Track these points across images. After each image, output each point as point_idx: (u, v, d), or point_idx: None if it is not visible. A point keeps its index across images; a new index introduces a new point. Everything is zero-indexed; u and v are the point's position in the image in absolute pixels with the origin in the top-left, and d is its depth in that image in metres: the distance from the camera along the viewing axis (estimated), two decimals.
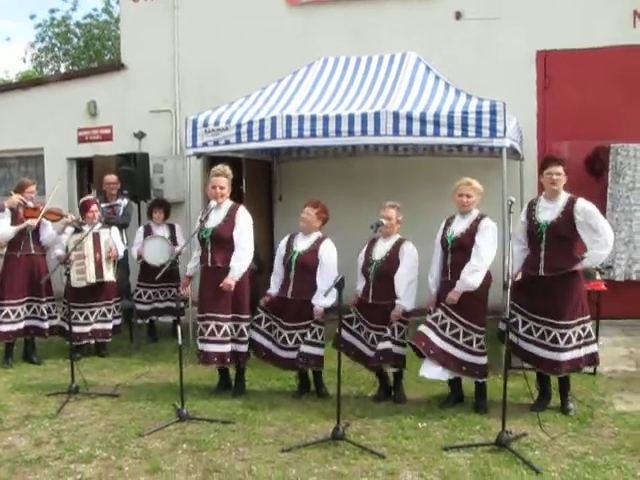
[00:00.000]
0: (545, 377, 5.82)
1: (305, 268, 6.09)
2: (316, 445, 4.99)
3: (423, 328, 5.67)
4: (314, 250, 6.13)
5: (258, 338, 6.27)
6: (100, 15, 24.38)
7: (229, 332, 6.13)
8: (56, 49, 24.51)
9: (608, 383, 6.44)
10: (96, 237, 7.52)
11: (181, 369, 5.65)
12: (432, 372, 5.73)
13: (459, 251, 5.70)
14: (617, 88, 9.14)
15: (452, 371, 5.71)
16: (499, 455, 4.76)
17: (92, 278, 7.45)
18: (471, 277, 5.55)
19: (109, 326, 7.76)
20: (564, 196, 5.65)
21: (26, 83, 13.40)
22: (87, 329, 7.58)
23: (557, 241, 5.58)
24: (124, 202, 8.93)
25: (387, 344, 5.83)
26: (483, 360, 5.67)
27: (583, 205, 5.58)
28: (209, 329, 6.09)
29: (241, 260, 6.13)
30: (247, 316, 6.24)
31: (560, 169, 5.62)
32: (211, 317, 6.11)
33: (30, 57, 24.64)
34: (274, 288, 6.29)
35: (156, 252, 8.27)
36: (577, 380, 5.88)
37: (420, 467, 4.62)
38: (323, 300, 5.85)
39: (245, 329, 6.20)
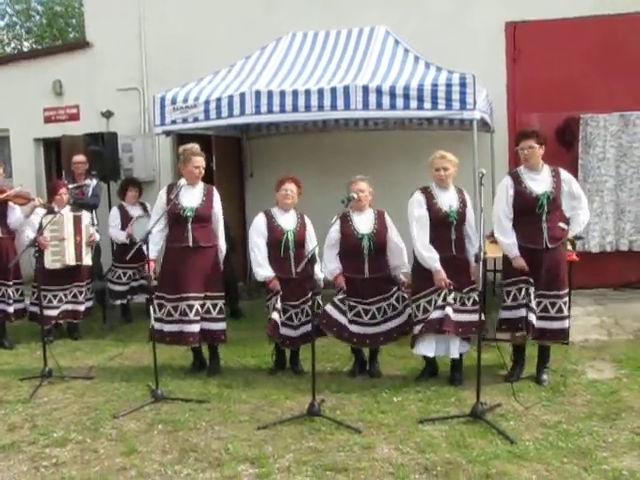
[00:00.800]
0: (520, 347, 5.87)
1: (301, 245, 6.09)
2: (292, 422, 4.99)
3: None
4: (303, 226, 6.15)
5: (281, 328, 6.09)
6: None
7: (212, 310, 6.14)
8: (17, 27, 24.00)
9: (580, 352, 6.52)
10: (78, 220, 7.46)
11: (155, 349, 5.60)
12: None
13: (461, 225, 5.74)
14: (586, 59, 9.17)
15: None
16: (474, 426, 4.79)
17: (72, 260, 7.38)
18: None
19: (81, 308, 7.67)
20: (547, 167, 5.71)
21: None
22: (58, 311, 7.50)
23: (555, 212, 5.65)
24: (93, 182, 8.79)
25: (404, 317, 5.93)
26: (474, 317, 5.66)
27: (567, 175, 5.72)
28: (194, 309, 6.03)
29: (224, 242, 6.31)
30: (221, 294, 6.25)
31: (531, 142, 5.62)
32: (195, 297, 6.06)
33: None
34: (270, 270, 6.03)
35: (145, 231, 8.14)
36: (551, 349, 5.93)
37: (396, 441, 4.64)
38: (321, 274, 5.97)
39: (223, 307, 6.21)
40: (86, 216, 7.65)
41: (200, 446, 4.66)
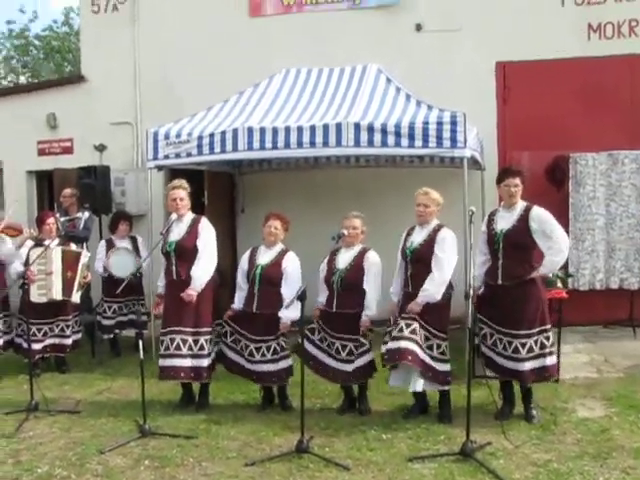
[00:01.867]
0: (509, 385, 5.85)
1: (269, 281, 6.04)
2: (280, 459, 4.95)
3: (402, 344, 5.51)
4: (278, 263, 6.09)
5: (227, 352, 6.22)
6: (60, 27, 24.16)
7: (193, 346, 6.08)
8: (14, 61, 24.19)
9: (570, 390, 6.49)
10: (74, 256, 7.43)
11: (143, 384, 5.55)
12: (398, 380, 5.78)
13: (419, 262, 5.71)
14: (575, 99, 9.32)
15: (421, 377, 5.62)
16: (464, 465, 4.76)
17: (58, 295, 7.31)
18: (432, 289, 5.56)
19: (68, 341, 7.59)
20: (520, 204, 5.72)
21: None
22: (42, 345, 7.43)
23: (513, 249, 5.62)
24: (85, 215, 8.80)
25: (367, 357, 5.89)
26: (445, 367, 5.67)
27: (538, 212, 5.64)
28: (175, 343, 6.04)
29: (202, 271, 6.11)
30: (208, 329, 6.17)
31: (517, 180, 5.68)
32: (177, 331, 6.06)
33: None
34: (238, 303, 6.23)
35: (122, 265, 8.13)
36: (540, 387, 5.91)
37: (385, 479, 4.61)
38: (289, 313, 5.75)
39: (205, 343, 6.11)
40: (85, 255, 7.60)
41: None
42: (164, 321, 6.18)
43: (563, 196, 9.12)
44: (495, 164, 9.43)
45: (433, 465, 4.79)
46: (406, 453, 5.03)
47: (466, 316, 5.02)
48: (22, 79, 24.03)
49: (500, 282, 5.64)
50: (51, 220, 7.54)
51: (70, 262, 7.41)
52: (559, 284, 6.98)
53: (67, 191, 9.06)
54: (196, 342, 6.09)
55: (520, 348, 5.55)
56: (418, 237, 5.79)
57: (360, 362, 5.88)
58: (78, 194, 9.13)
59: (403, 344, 5.48)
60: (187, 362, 6.08)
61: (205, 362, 6.12)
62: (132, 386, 6.85)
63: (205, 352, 6.11)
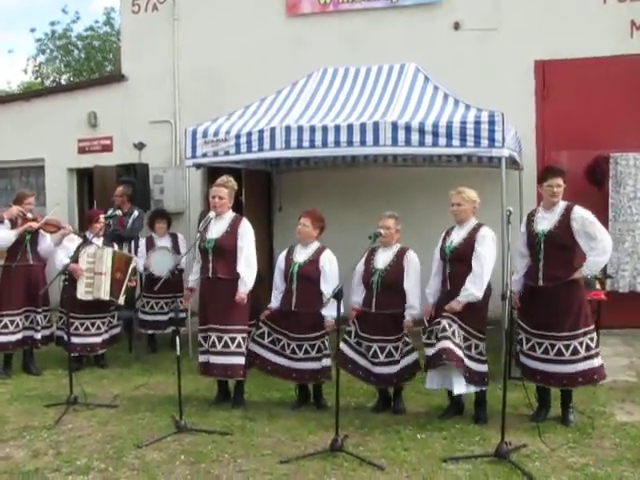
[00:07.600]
0: (545, 387, 5.79)
1: (307, 279, 6.05)
2: (314, 456, 4.96)
3: (446, 343, 5.46)
4: (315, 260, 6.10)
5: (262, 352, 6.20)
6: (101, 27, 24.48)
7: (230, 344, 6.10)
8: (57, 61, 24.57)
9: (609, 393, 6.40)
10: (125, 260, 7.58)
11: (179, 380, 5.61)
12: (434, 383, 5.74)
13: (458, 261, 5.68)
14: (615, 97, 9.18)
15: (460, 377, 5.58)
16: (498, 466, 4.72)
17: (106, 295, 7.42)
18: (474, 287, 5.51)
19: (98, 340, 7.62)
20: (561, 204, 5.65)
21: (27, 94, 13.47)
22: (81, 340, 7.52)
23: (555, 250, 5.55)
24: (134, 214, 8.89)
25: (412, 357, 5.89)
26: (482, 368, 5.63)
27: (580, 213, 5.56)
28: (210, 340, 6.09)
29: (249, 272, 6.14)
30: (244, 327, 6.19)
31: (560, 180, 5.62)
32: (213, 329, 6.10)
33: (31, 69, 24.70)
34: (275, 302, 6.23)
35: (162, 263, 8.21)
36: (577, 390, 5.81)
37: (419, 479, 4.59)
38: (333, 311, 5.72)
39: (242, 341, 6.13)
40: (135, 261, 7.79)
41: (222, 478, 4.66)
42: (200, 318, 6.24)
43: (603, 196, 9.00)
44: (534, 164, 9.35)
45: (467, 466, 4.76)
46: (440, 454, 5.01)
47: (502, 317, 4.99)
48: (64, 78, 24.39)
49: (541, 284, 5.57)
50: (101, 218, 7.63)
51: (120, 264, 7.52)
52: (597, 286, 6.89)
53: (119, 189, 9.14)
54: (233, 340, 6.11)
55: (564, 350, 5.47)
56: (457, 236, 5.77)
57: (404, 362, 5.89)
58: (128, 192, 9.18)
59: (446, 343, 5.44)
60: (222, 359, 6.12)
61: (241, 360, 6.14)
62: (169, 382, 6.93)
63: (242, 350, 6.13)
